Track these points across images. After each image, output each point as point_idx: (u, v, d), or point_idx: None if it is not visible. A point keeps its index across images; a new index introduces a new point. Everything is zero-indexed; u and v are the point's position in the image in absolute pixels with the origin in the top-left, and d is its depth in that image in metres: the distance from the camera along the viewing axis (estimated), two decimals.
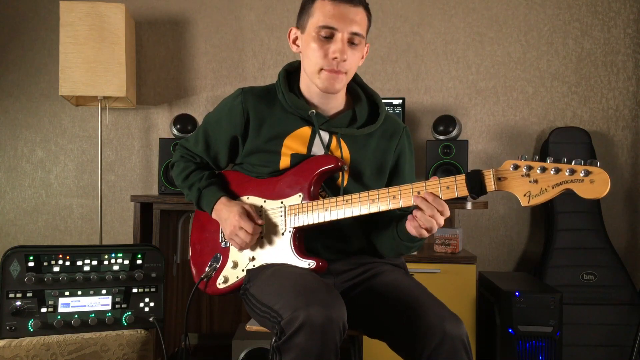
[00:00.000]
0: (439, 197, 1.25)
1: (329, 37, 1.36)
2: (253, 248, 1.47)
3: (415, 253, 2.38)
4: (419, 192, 1.26)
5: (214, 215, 1.51)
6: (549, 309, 2.24)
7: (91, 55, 2.49)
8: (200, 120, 2.67)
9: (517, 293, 2.25)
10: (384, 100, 2.53)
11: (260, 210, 1.48)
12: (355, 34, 1.37)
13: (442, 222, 1.26)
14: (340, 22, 1.35)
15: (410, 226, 1.30)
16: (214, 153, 1.57)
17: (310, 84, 1.45)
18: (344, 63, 1.37)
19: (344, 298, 1.28)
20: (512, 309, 2.25)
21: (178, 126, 2.55)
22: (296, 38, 1.45)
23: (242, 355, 2.31)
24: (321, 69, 1.39)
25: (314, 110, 1.44)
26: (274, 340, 1.19)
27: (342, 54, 1.36)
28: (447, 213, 1.25)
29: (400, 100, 2.60)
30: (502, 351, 2.28)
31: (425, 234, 1.29)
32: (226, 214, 1.46)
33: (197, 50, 2.93)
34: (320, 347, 1.13)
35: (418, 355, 1.23)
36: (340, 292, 1.41)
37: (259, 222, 1.44)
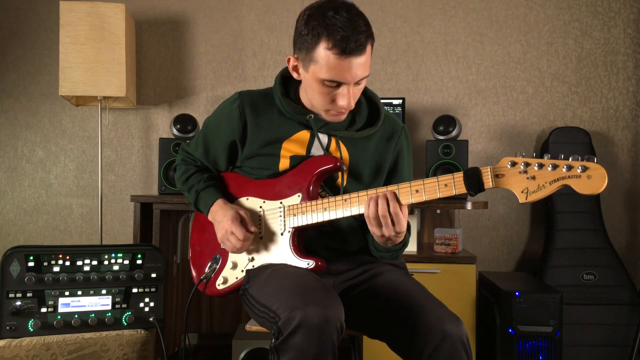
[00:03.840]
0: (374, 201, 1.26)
1: (336, 87, 1.32)
2: (251, 249, 1.47)
3: (415, 252, 2.38)
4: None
5: (209, 217, 1.52)
6: (549, 309, 2.23)
7: (91, 55, 2.49)
8: (200, 120, 2.68)
9: (517, 293, 2.24)
10: (383, 101, 2.53)
11: (259, 216, 1.48)
12: (362, 79, 1.32)
13: (388, 223, 1.25)
14: (347, 75, 1.29)
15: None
16: (213, 157, 1.58)
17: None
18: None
19: (343, 298, 1.28)
20: (512, 309, 2.24)
21: (178, 126, 2.55)
22: (296, 66, 1.38)
23: (242, 355, 2.31)
24: (328, 110, 1.38)
25: (312, 115, 1.43)
26: (272, 340, 1.19)
27: (349, 103, 1.34)
28: (390, 215, 1.25)
29: (400, 100, 2.60)
30: (502, 351, 2.28)
31: (388, 243, 1.32)
32: (220, 217, 1.46)
33: (197, 50, 2.93)
34: (318, 347, 1.13)
35: (418, 355, 1.23)
36: (340, 292, 1.42)
37: (252, 229, 1.44)
